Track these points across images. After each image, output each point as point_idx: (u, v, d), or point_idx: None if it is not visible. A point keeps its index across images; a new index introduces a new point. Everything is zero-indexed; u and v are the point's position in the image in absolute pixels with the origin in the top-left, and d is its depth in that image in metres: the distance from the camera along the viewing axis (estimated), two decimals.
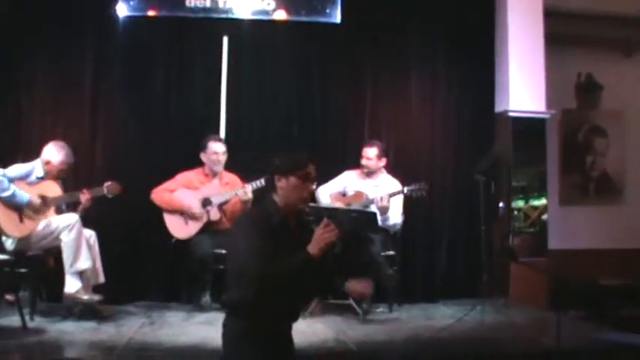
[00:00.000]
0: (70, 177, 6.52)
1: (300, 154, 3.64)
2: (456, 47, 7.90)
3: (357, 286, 3.51)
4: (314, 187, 3.53)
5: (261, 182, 6.49)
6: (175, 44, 7.45)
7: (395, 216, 6.78)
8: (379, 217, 6.51)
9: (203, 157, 6.79)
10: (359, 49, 7.75)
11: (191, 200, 6.65)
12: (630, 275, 7.60)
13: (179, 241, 6.63)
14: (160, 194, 6.69)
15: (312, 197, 6.69)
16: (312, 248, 3.22)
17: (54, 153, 6.19)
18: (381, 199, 6.56)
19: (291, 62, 7.63)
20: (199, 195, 6.69)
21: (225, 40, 7.47)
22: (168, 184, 6.74)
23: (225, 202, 6.69)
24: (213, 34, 7.49)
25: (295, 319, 3.55)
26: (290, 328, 3.49)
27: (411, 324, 6.32)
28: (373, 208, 6.60)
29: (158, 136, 7.30)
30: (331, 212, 6.42)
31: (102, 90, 7.27)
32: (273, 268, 3.22)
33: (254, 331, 3.37)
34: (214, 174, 6.81)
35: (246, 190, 6.53)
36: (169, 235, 6.67)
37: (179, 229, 6.63)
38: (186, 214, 6.63)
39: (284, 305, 3.40)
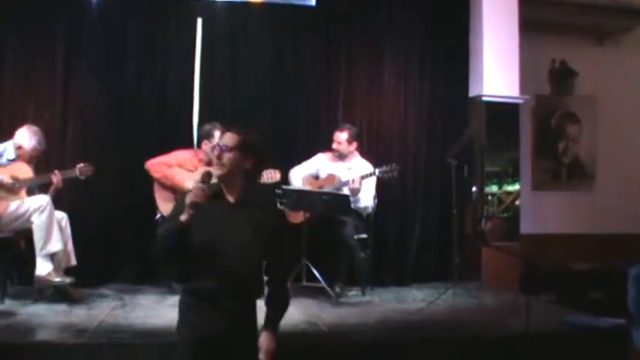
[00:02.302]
0: (41, 159, 6.45)
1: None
2: (430, 32, 7.94)
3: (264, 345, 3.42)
4: (215, 146, 3.57)
5: (271, 176, 6.50)
6: (149, 25, 7.39)
7: (366, 198, 6.80)
8: (351, 199, 6.52)
9: (206, 145, 6.61)
10: (333, 32, 7.75)
11: (190, 182, 6.56)
12: (600, 260, 7.67)
13: (162, 218, 6.54)
14: (158, 167, 6.53)
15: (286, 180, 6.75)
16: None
17: (26, 138, 6.13)
18: (353, 181, 6.57)
19: (265, 45, 7.59)
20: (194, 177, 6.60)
21: (200, 21, 7.42)
22: (165, 159, 6.58)
23: None
24: (187, 15, 7.42)
25: (237, 297, 3.41)
26: (237, 306, 3.40)
27: (383, 307, 6.37)
28: (346, 191, 6.60)
29: (131, 117, 7.25)
30: (303, 195, 6.44)
31: (74, 70, 7.19)
32: (159, 232, 3.45)
33: (194, 306, 3.43)
34: (210, 162, 6.73)
35: None
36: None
37: (168, 206, 6.55)
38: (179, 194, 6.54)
39: (205, 277, 3.38)
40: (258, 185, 3.52)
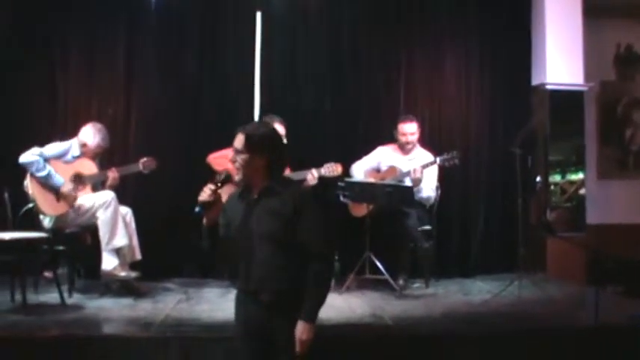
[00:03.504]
0: (105, 155, 6.54)
1: None
2: (492, 19, 7.81)
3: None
4: (232, 153, 3.58)
5: (332, 170, 6.52)
6: (208, 20, 7.42)
7: (428, 188, 6.73)
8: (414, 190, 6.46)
9: None
10: (392, 22, 7.67)
11: None
12: None
13: None
14: (219, 160, 6.47)
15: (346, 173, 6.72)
16: None
17: (90, 135, 6.23)
18: (414, 171, 6.50)
19: (324, 37, 7.57)
20: None
21: (259, 15, 7.43)
22: (227, 152, 6.54)
23: None
24: (246, 9, 7.45)
25: (272, 287, 3.40)
26: (273, 296, 3.39)
27: (447, 299, 6.31)
28: (408, 182, 6.53)
29: (193, 112, 7.31)
30: (365, 187, 6.39)
31: (136, 67, 7.30)
32: None
33: (238, 299, 3.57)
34: None
35: (314, 175, 6.51)
36: None
37: None
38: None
39: (236, 266, 3.50)
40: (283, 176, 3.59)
